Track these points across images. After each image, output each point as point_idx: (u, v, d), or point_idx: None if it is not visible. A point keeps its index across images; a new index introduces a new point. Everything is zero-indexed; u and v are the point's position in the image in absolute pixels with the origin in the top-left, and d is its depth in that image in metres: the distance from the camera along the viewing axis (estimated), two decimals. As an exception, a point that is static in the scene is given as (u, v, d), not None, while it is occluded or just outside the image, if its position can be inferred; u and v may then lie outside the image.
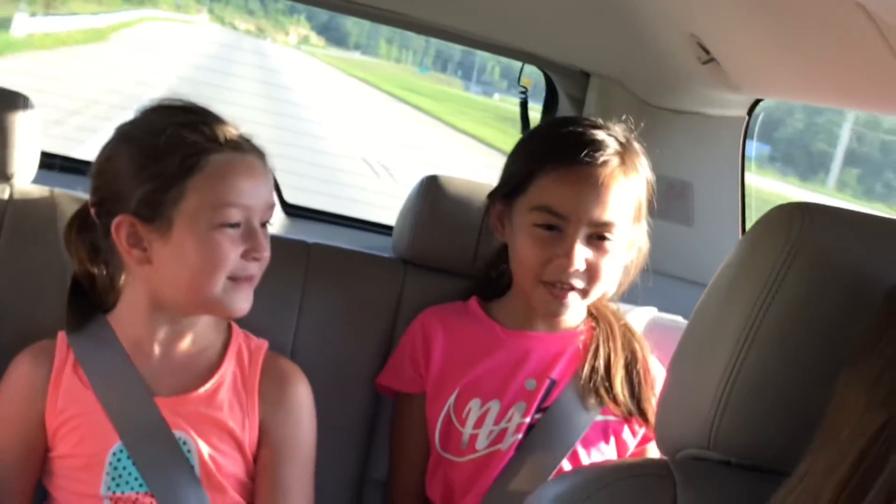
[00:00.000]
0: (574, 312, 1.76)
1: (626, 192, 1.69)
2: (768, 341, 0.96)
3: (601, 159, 1.67)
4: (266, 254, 1.57)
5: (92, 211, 1.59)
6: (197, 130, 1.53)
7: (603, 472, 1.01)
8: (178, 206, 1.50)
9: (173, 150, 1.50)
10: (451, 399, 1.76)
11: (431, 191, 1.96)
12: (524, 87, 2.58)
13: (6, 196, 1.83)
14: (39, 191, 1.86)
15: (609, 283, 1.72)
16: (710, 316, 1.03)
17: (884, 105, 1.68)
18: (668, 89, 2.24)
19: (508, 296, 1.83)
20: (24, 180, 1.87)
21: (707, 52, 1.88)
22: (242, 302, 1.57)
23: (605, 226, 1.66)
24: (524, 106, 2.55)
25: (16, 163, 1.82)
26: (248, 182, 1.55)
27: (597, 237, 1.67)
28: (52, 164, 2.23)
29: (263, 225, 1.59)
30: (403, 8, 2.27)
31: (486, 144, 21.77)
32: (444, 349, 1.80)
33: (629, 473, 1.00)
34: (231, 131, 1.56)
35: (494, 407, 1.74)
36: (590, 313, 1.81)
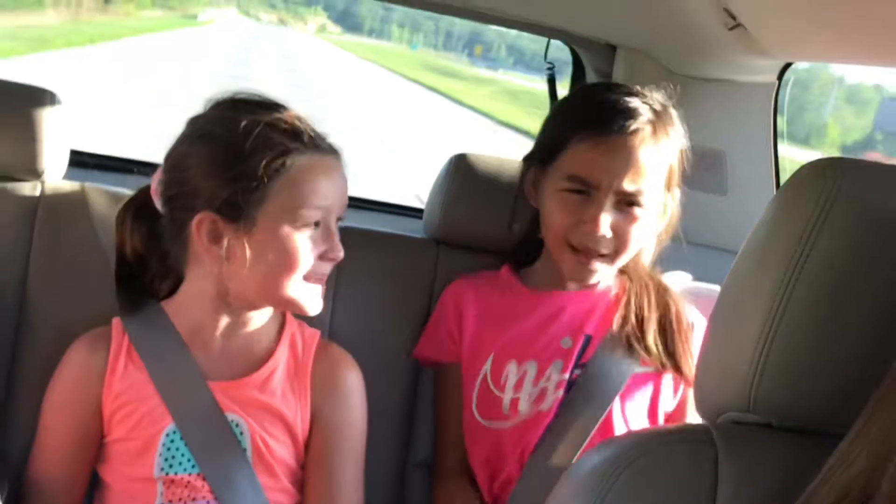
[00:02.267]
0: (603, 277, 1.77)
1: (656, 159, 1.69)
2: (804, 299, 0.94)
3: (632, 128, 1.67)
4: (341, 254, 1.60)
5: (159, 201, 1.61)
6: (280, 130, 1.54)
7: (643, 440, 1.00)
8: (262, 207, 1.52)
9: (259, 150, 1.52)
10: (487, 365, 1.78)
11: (460, 169, 1.95)
12: (551, 64, 2.57)
13: (37, 192, 1.85)
14: (70, 186, 1.87)
15: (636, 249, 1.73)
16: (745, 276, 1.01)
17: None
18: (696, 57, 2.22)
19: (539, 261, 1.85)
20: (56, 176, 1.88)
21: (733, 17, 1.85)
22: (316, 300, 1.61)
23: (634, 194, 1.67)
24: (552, 82, 2.54)
25: (45, 159, 1.83)
26: (327, 183, 1.57)
27: (626, 203, 1.68)
28: (82, 161, 2.24)
29: (337, 220, 1.61)
30: None
31: (489, 117, 23.41)
32: (476, 315, 1.82)
33: (669, 439, 0.99)
34: (311, 130, 1.58)
35: (531, 368, 1.75)
36: (622, 271, 1.81)
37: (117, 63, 20.90)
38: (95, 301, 1.71)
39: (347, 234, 1.93)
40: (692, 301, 1.81)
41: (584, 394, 1.73)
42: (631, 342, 1.74)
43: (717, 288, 1.87)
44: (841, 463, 0.86)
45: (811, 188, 0.96)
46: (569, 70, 2.63)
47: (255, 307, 1.63)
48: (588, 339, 1.76)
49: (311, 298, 1.60)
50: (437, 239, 2.00)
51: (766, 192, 2.29)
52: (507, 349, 1.77)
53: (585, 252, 1.70)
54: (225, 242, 1.54)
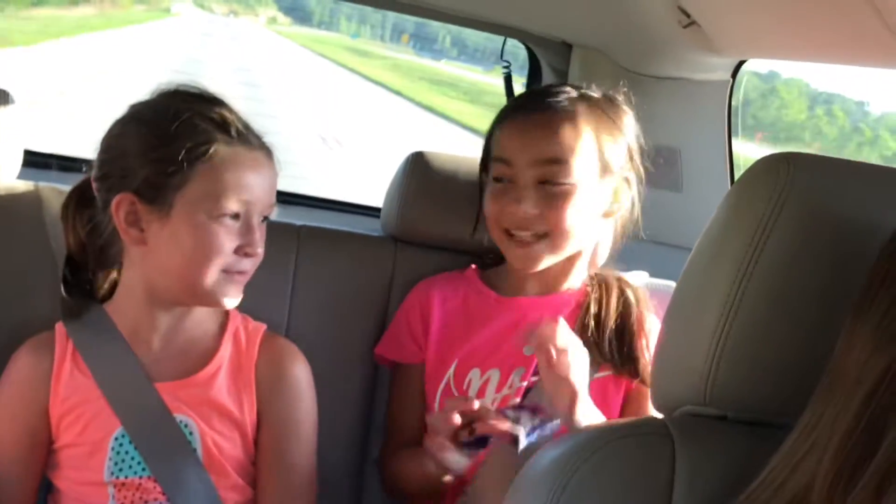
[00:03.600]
0: (548, 261, 1.74)
1: (582, 137, 1.69)
2: (759, 293, 0.95)
3: (550, 103, 1.70)
4: (260, 251, 1.59)
5: (94, 185, 1.60)
6: (209, 119, 1.54)
7: (600, 433, 1.01)
8: (180, 192, 1.52)
9: (184, 135, 1.52)
10: (451, 371, 1.77)
11: (417, 167, 1.96)
12: (507, 62, 2.57)
13: None
14: (24, 186, 1.85)
15: (575, 231, 1.71)
16: (700, 271, 1.02)
17: (865, 59, 1.68)
18: (651, 56, 2.23)
19: (505, 264, 1.84)
20: (9, 176, 1.86)
21: (688, 15, 1.87)
22: (232, 296, 1.59)
23: (553, 165, 1.67)
24: (508, 80, 2.54)
25: None
26: (252, 176, 1.56)
27: (550, 183, 1.67)
28: (36, 161, 2.22)
29: (263, 220, 1.60)
30: None
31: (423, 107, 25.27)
32: (441, 319, 1.81)
33: (627, 433, 1.00)
34: (242, 124, 1.58)
35: (494, 375, 1.75)
36: (591, 277, 1.81)
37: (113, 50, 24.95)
38: (46, 302, 1.69)
39: (305, 232, 1.93)
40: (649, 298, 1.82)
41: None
42: (590, 348, 1.70)
43: (672, 284, 1.91)
44: (783, 462, 0.88)
45: (764, 184, 0.97)
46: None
47: (181, 303, 1.62)
48: None
49: (227, 292, 1.58)
50: (395, 237, 2.00)
51: (721, 188, 2.31)
52: (471, 356, 1.77)
53: (519, 235, 1.70)
54: (144, 226, 1.54)
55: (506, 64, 2.54)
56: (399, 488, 1.82)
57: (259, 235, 1.58)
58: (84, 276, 1.66)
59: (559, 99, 1.71)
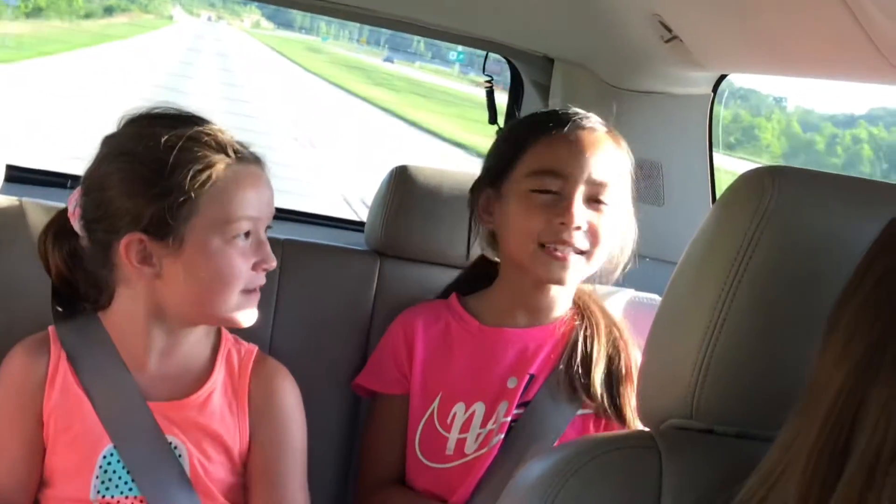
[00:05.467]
0: (578, 276, 1.71)
1: (616, 159, 1.71)
2: (744, 308, 0.96)
3: (588, 125, 1.70)
4: (274, 263, 1.58)
5: (79, 224, 1.57)
6: (203, 143, 1.52)
7: (587, 447, 1.01)
8: (190, 222, 1.50)
9: (183, 164, 1.49)
10: (434, 404, 1.75)
11: (401, 180, 1.96)
12: (489, 76, 2.59)
13: None
14: (7, 201, 1.84)
15: (606, 250, 1.71)
16: (686, 285, 1.03)
17: (848, 72, 1.69)
18: (633, 70, 2.24)
19: (491, 290, 1.82)
20: None
21: (669, 30, 1.88)
22: (251, 312, 1.59)
23: (601, 186, 1.67)
24: (490, 95, 2.56)
25: None
26: (254, 193, 1.56)
27: (594, 200, 1.67)
28: (19, 176, 2.21)
29: (266, 229, 1.60)
30: (367, 3, 2.26)
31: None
32: (424, 350, 1.78)
33: (613, 446, 1.00)
34: (233, 141, 1.56)
35: (479, 409, 1.73)
36: (576, 305, 1.79)
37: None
38: (34, 318, 1.67)
39: (288, 247, 1.93)
40: (633, 314, 1.82)
41: (523, 435, 1.70)
42: (575, 384, 1.71)
43: (657, 298, 1.92)
44: (760, 481, 0.87)
45: (748, 198, 0.97)
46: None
47: (192, 324, 1.60)
48: (531, 378, 1.73)
49: (247, 311, 1.58)
50: (379, 251, 2.00)
51: (703, 202, 2.32)
52: (455, 390, 1.74)
53: (560, 248, 1.65)
54: (155, 262, 1.52)
55: (488, 78, 2.56)
56: None
57: (269, 247, 1.58)
58: (76, 292, 1.64)
59: (594, 122, 1.72)
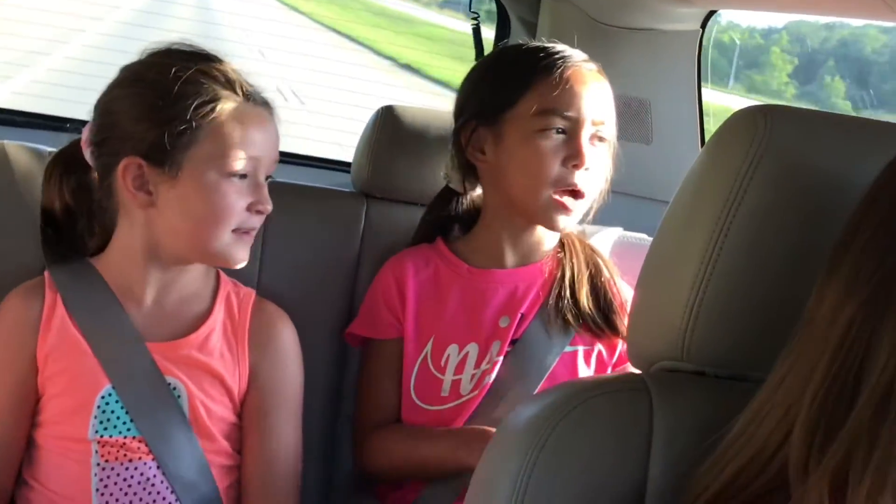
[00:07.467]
0: (574, 220, 1.71)
1: (609, 96, 1.70)
2: (737, 248, 0.95)
3: (586, 62, 1.70)
4: (269, 207, 1.58)
5: (89, 150, 1.58)
6: (213, 77, 1.53)
7: (577, 390, 1.00)
8: (188, 152, 1.50)
9: (189, 94, 1.50)
10: (428, 347, 1.75)
11: (388, 121, 1.94)
12: (476, 13, 2.56)
13: None
14: None
15: (600, 187, 1.71)
16: (677, 226, 1.02)
17: (839, 8, 1.67)
18: (621, 6, 2.22)
19: (477, 231, 1.81)
20: None
21: (658, -37, 1.85)
22: (242, 253, 1.59)
23: (601, 124, 1.67)
24: (477, 32, 2.53)
25: None
26: (258, 133, 1.56)
27: (596, 137, 1.67)
28: (9, 119, 2.19)
29: (267, 178, 1.60)
30: None
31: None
32: (416, 294, 1.77)
33: (603, 389, 1.00)
34: (245, 81, 1.57)
35: (473, 350, 1.73)
36: (560, 241, 1.78)
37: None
38: (23, 260, 1.67)
39: (274, 189, 1.90)
40: (622, 253, 1.82)
41: (512, 371, 1.71)
42: (565, 313, 1.71)
43: (645, 237, 1.91)
44: (752, 417, 0.88)
45: (741, 137, 0.96)
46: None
47: (185, 261, 1.61)
48: (522, 317, 1.73)
49: (238, 251, 1.58)
50: (365, 192, 1.99)
51: (692, 140, 2.31)
52: (448, 332, 1.74)
53: (571, 192, 1.65)
54: (151, 189, 1.52)
55: (475, 15, 2.53)
56: (389, 469, 1.77)
57: (266, 192, 1.58)
58: (68, 234, 1.64)
59: (590, 60, 1.71)
